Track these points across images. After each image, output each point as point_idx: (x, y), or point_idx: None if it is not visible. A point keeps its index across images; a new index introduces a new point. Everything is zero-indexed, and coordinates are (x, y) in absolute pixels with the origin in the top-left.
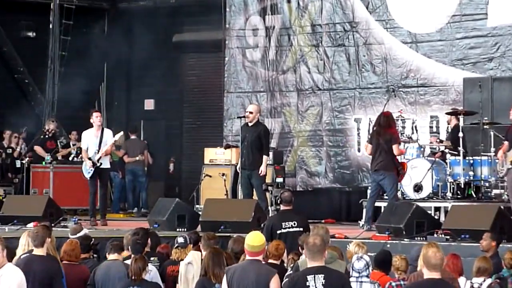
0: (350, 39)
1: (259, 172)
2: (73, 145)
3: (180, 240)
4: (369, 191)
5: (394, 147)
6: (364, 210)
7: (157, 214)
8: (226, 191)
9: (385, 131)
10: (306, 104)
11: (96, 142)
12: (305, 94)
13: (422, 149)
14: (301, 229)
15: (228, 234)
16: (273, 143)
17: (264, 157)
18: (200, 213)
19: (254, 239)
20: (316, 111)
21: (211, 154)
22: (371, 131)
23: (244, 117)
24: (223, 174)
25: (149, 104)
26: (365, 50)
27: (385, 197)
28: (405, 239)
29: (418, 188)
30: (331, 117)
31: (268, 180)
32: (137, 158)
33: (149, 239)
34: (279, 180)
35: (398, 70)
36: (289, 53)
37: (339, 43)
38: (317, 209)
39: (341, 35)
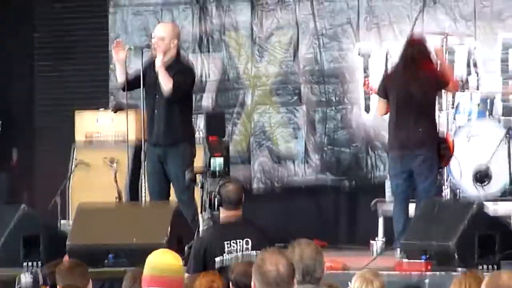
0: None
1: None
2: None
3: (25, 280)
4: (389, 189)
5: (450, 87)
6: (382, 222)
7: None
8: (119, 192)
9: (420, 72)
10: (268, 24)
11: None
12: (266, 5)
13: (488, 102)
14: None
15: (123, 269)
16: (206, 99)
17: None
18: (68, 232)
19: (162, 257)
20: (287, 37)
21: (88, 122)
22: (388, 73)
23: (148, 47)
24: (113, 161)
25: None
26: None
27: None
28: (458, 268)
29: (482, 176)
30: (315, 48)
31: (198, 163)
32: None
33: None
34: (217, 161)
35: None
36: None
37: None
38: (293, 223)
39: None
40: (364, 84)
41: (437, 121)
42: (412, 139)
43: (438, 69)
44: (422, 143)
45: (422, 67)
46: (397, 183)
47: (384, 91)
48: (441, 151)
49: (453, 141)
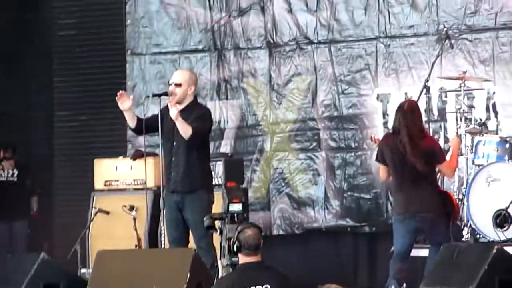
0: None
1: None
2: None
3: None
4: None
5: (444, 167)
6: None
7: (3, 286)
8: (138, 239)
9: (417, 143)
10: (286, 71)
11: None
12: (284, 52)
13: (507, 147)
14: None
15: None
16: (225, 146)
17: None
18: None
19: None
20: (305, 84)
21: (108, 170)
22: (383, 140)
23: (165, 94)
24: (132, 208)
25: None
26: None
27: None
28: None
29: (502, 220)
30: (333, 94)
31: (217, 210)
32: None
33: None
34: (236, 208)
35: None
36: None
37: None
38: (312, 268)
39: None
40: (372, 139)
41: (437, 181)
42: (413, 202)
43: (434, 143)
44: (425, 206)
45: (416, 137)
46: (402, 242)
47: (382, 157)
48: (447, 209)
49: (456, 199)
